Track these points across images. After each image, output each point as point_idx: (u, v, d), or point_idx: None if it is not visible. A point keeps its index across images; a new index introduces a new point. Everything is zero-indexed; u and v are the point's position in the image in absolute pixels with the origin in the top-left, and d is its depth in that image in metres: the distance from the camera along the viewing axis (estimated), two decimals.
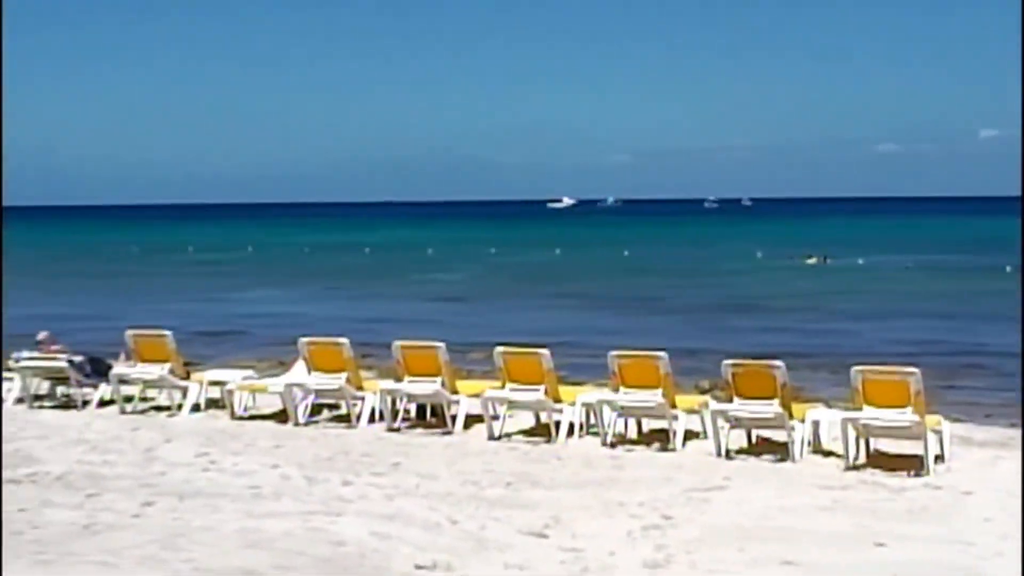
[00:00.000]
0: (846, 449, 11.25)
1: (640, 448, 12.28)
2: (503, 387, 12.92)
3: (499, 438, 12.66)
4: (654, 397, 12.18)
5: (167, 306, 34.57)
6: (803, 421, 11.86)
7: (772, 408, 11.66)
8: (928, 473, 10.90)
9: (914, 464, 11.08)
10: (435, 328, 23.71)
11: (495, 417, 12.84)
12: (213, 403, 14.40)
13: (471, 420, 13.07)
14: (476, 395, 13.01)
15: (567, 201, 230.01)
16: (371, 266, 57.07)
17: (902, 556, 8.42)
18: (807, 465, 11.44)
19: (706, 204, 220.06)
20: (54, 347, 15.14)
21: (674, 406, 12.27)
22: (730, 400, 11.96)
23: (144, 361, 14.48)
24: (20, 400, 14.70)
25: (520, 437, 12.80)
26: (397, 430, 13.15)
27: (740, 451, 11.98)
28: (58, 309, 32.76)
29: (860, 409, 11.40)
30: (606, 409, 12.40)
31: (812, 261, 55.37)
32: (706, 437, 12.25)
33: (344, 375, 13.48)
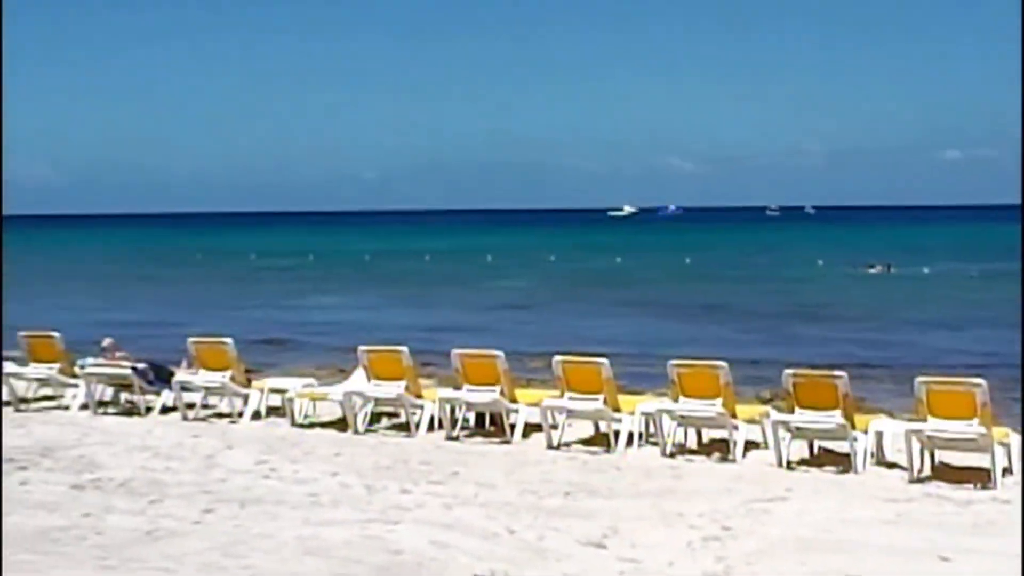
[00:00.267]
0: (910, 461, 11.09)
1: (700, 458, 12.18)
2: (562, 396, 12.88)
3: (558, 447, 12.62)
4: (714, 407, 12.09)
5: (230, 313, 34.90)
6: (866, 432, 11.70)
7: (834, 419, 11.52)
8: (995, 486, 10.71)
9: (981, 477, 10.89)
10: (494, 336, 23.76)
11: (554, 426, 12.81)
12: (273, 410, 14.48)
13: (530, 429, 13.05)
14: (535, 404, 12.98)
15: (628, 209, 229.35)
16: (431, 273, 57.26)
17: (968, 571, 8.28)
18: (870, 477, 11.29)
19: (768, 212, 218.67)
20: (118, 354, 15.32)
21: (734, 416, 12.16)
22: (791, 410, 11.83)
23: (206, 368, 14.62)
24: (84, 406, 14.88)
25: (579, 446, 12.75)
26: (456, 439, 13.15)
27: (801, 462, 11.84)
28: (123, 315, 33.20)
29: (924, 420, 11.23)
30: (665, 419, 12.32)
31: (874, 270, 54.78)
32: (767, 447, 12.14)
33: (403, 383, 13.52)
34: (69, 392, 15.26)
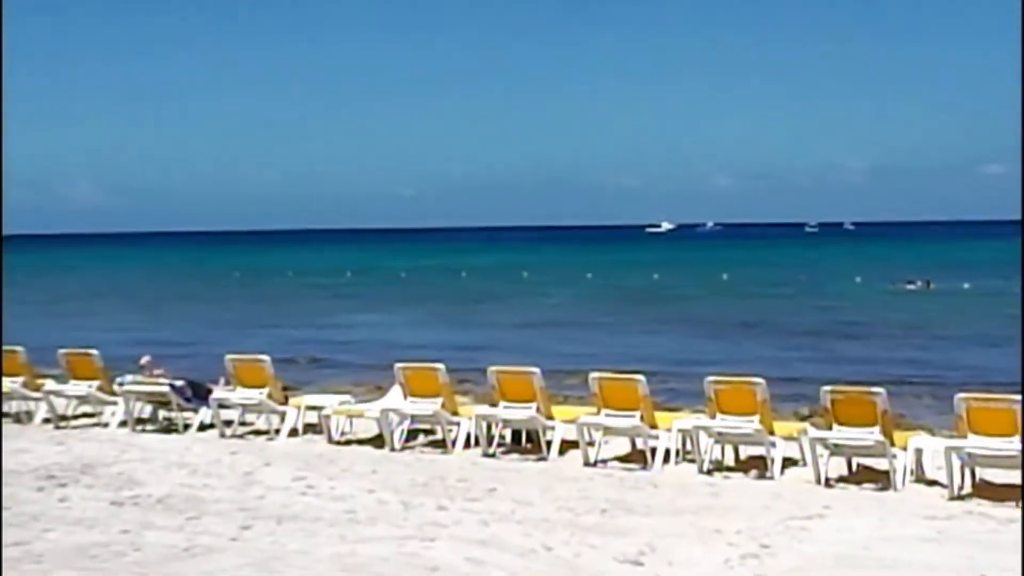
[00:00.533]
0: (950, 478, 10.98)
1: (737, 475, 12.12)
2: (598, 413, 12.85)
3: (594, 464, 12.59)
4: (751, 424, 12.02)
5: (269, 331, 35.12)
6: (905, 449, 11.60)
7: (872, 435, 11.43)
8: None
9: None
10: (531, 353, 23.72)
11: (590, 443, 12.78)
12: (310, 427, 14.54)
13: (566, 446, 13.02)
14: (571, 421, 12.96)
15: (666, 226, 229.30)
16: (467, 291, 57.33)
17: None
18: (910, 494, 11.18)
19: (807, 228, 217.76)
20: (156, 371, 15.43)
21: (772, 433, 12.09)
22: (829, 427, 11.75)
23: (243, 386, 14.70)
24: (123, 423, 14.99)
25: (616, 463, 12.71)
26: (492, 455, 13.14)
27: (840, 479, 11.75)
28: (162, 334, 33.46)
29: (965, 437, 11.12)
30: (702, 435, 12.27)
31: (913, 286, 54.40)
32: (804, 464, 12.05)
33: (439, 400, 13.53)
34: (108, 409, 15.38)
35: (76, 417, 15.73)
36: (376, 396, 15.88)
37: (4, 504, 10.52)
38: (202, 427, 14.75)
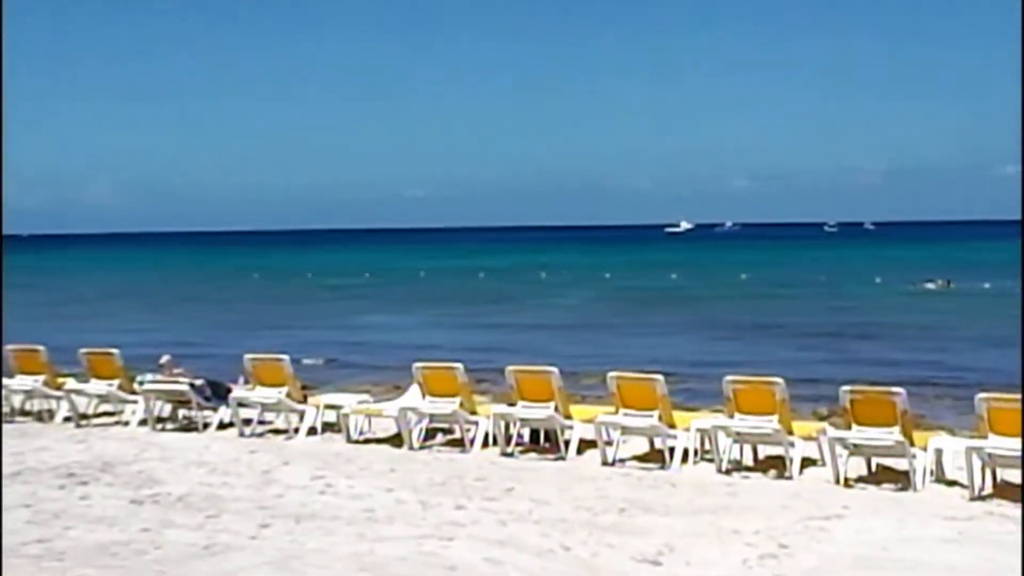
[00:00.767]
0: (971, 479, 10.93)
1: (756, 475, 12.09)
2: (616, 412, 12.84)
3: (612, 464, 12.58)
4: (770, 423, 12.00)
5: (288, 332, 35.19)
6: (925, 449, 11.56)
7: (892, 435, 11.39)
8: None
9: None
10: (549, 353, 23.71)
11: (608, 442, 12.77)
12: (329, 427, 14.57)
13: (584, 445, 13.02)
14: (589, 420, 12.96)
15: (684, 225, 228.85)
16: (486, 291, 57.34)
17: None
18: (929, 495, 11.14)
19: (826, 228, 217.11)
20: (176, 371, 15.50)
21: (790, 432, 12.07)
22: (848, 427, 11.72)
23: (262, 385, 14.75)
24: (143, 422, 15.06)
25: (634, 463, 12.71)
26: (510, 455, 13.15)
27: (859, 479, 11.72)
28: (181, 334, 33.56)
29: (985, 438, 11.08)
30: (721, 435, 12.25)
31: (932, 286, 54.18)
32: (823, 464, 12.03)
33: (457, 399, 13.55)
34: (128, 408, 15.45)
35: (97, 416, 15.81)
36: (394, 395, 15.91)
37: (26, 502, 10.61)
38: (221, 426, 14.80)
